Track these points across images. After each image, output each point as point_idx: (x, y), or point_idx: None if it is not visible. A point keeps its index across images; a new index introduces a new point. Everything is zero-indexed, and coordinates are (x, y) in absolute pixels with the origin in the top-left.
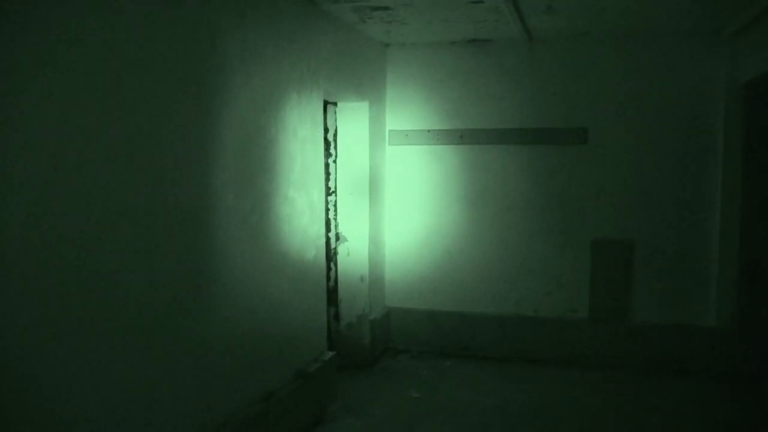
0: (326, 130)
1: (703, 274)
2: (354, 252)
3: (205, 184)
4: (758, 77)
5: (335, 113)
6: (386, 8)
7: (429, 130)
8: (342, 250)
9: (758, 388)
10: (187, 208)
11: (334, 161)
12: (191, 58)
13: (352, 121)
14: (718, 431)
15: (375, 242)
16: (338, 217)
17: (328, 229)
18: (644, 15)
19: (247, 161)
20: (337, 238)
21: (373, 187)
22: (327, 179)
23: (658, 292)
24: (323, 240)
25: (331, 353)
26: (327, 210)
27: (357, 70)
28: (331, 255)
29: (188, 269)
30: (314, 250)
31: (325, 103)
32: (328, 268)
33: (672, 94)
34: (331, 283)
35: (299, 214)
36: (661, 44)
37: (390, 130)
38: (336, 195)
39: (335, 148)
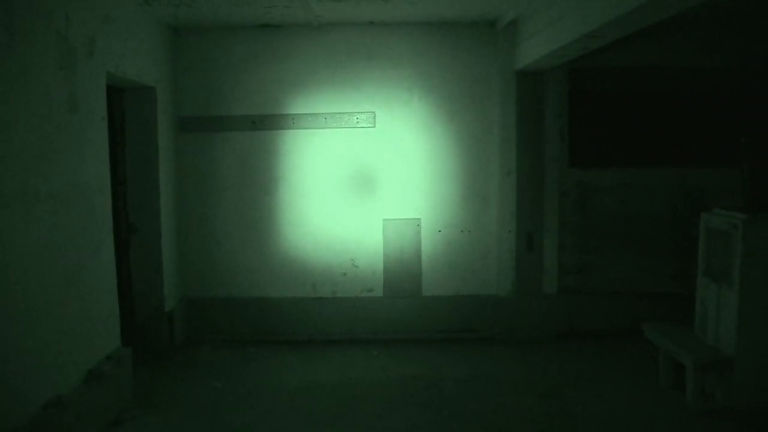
0: (114, 117)
1: (485, 247)
2: (148, 242)
3: None
4: (527, 65)
5: (122, 99)
6: None
7: (221, 117)
8: (135, 240)
9: (534, 348)
10: None
11: (123, 149)
12: None
13: (141, 108)
14: (506, 390)
15: (170, 231)
16: (130, 206)
17: (118, 219)
18: (426, 6)
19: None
20: (129, 228)
21: (166, 175)
22: (116, 167)
23: (446, 267)
24: (109, 231)
25: (126, 349)
26: (117, 200)
27: (144, 55)
28: (123, 246)
29: None
30: (96, 243)
31: (112, 89)
32: (120, 260)
33: (455, 80)
34: (124, 275)
35: (72, 205)
36: (444, 33)
37: (181, 117)
38: (127, 184)
39: (124, 135)
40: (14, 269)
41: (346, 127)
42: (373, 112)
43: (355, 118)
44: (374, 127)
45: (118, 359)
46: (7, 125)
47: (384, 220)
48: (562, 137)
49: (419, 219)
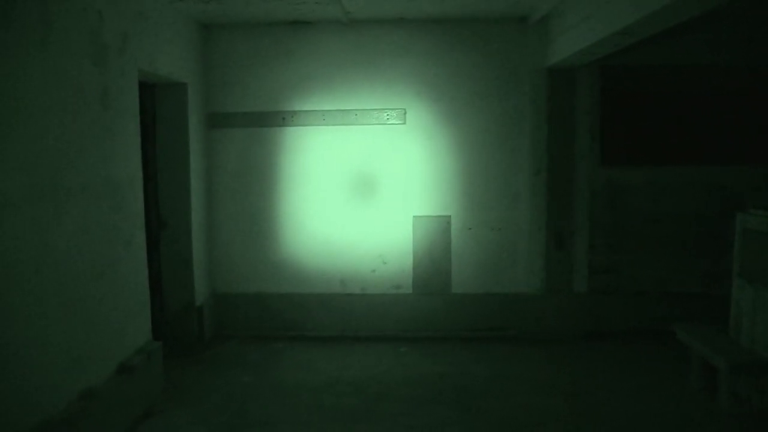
0: (146, 113)
1: (514, 246)
2: (178, 237)
3: None
4: (558, 62)
5: (153, 95)
6: None
7: (251, 113)
8: (165, 236)
9: (560, 348)
10: None
11: (154, 145)
12: None
13: (172, 104)
14: (532, 390)
15: (200, 226)
16: (160, 202)
17: (149, 215)
18: (457, 1)
19: (38, 140)
20: (160, 223)
21: (196, 171)
22: (147, 163)
23: (475, 264)
24: (141, 226)
25: (156, 343)
26: (148, 195)
27: (175, 51)
28: (153, 241)
29: None
30: (128, 238)
31: (144, 85)
32: (151, 255)
33: (485, 76)
34: (155, 270)
35: (103, 200)
36: (473, 30)
37: (212, 113)
38: (157, 180)
39: (155, 130)
40: (46, 263)
41: (376, 124)
42: (404, 109)
43: (385, 114)
44: (404, 123)
45: (149, 353)
46: (41, 120)
47: (414, 217)
48: (592, 135)
49: (449, 216)
